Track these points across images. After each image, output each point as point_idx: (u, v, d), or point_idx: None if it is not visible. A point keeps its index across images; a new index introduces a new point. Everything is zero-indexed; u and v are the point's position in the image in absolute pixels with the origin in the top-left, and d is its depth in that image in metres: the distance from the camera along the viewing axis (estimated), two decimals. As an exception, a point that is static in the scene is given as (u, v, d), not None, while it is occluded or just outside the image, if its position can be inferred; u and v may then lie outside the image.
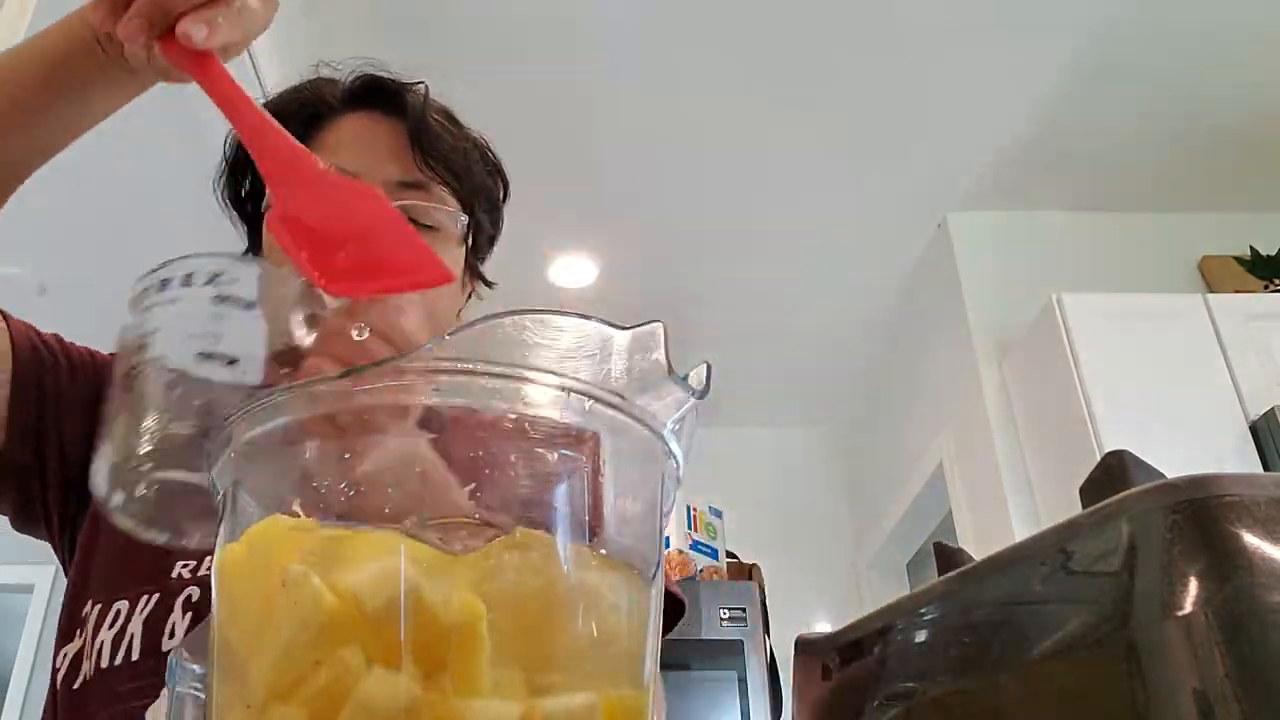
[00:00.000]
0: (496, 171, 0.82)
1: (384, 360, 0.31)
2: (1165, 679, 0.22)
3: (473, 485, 0.32)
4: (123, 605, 0.64)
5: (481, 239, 0.82)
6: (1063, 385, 2.53)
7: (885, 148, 2.88)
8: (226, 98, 0.48)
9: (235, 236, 0.83)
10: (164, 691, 0.59)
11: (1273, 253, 2.98)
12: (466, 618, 0.28)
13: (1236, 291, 2.83)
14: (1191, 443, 2.36)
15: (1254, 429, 2.40)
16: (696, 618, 2.49)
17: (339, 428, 0.31)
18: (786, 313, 3.57)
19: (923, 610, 0.30)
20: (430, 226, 0.74)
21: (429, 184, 0.74)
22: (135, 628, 0.63)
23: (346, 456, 0.31)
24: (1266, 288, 2.90)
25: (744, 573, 2.89)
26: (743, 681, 2.46)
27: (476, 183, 0.78)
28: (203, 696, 0.34)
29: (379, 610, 0.28)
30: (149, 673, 0.60)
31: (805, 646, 0.33)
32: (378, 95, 0.77)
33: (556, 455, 0.32)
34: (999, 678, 0.27)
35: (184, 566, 0.66)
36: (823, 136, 2.83)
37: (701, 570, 2.75)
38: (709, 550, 2.82)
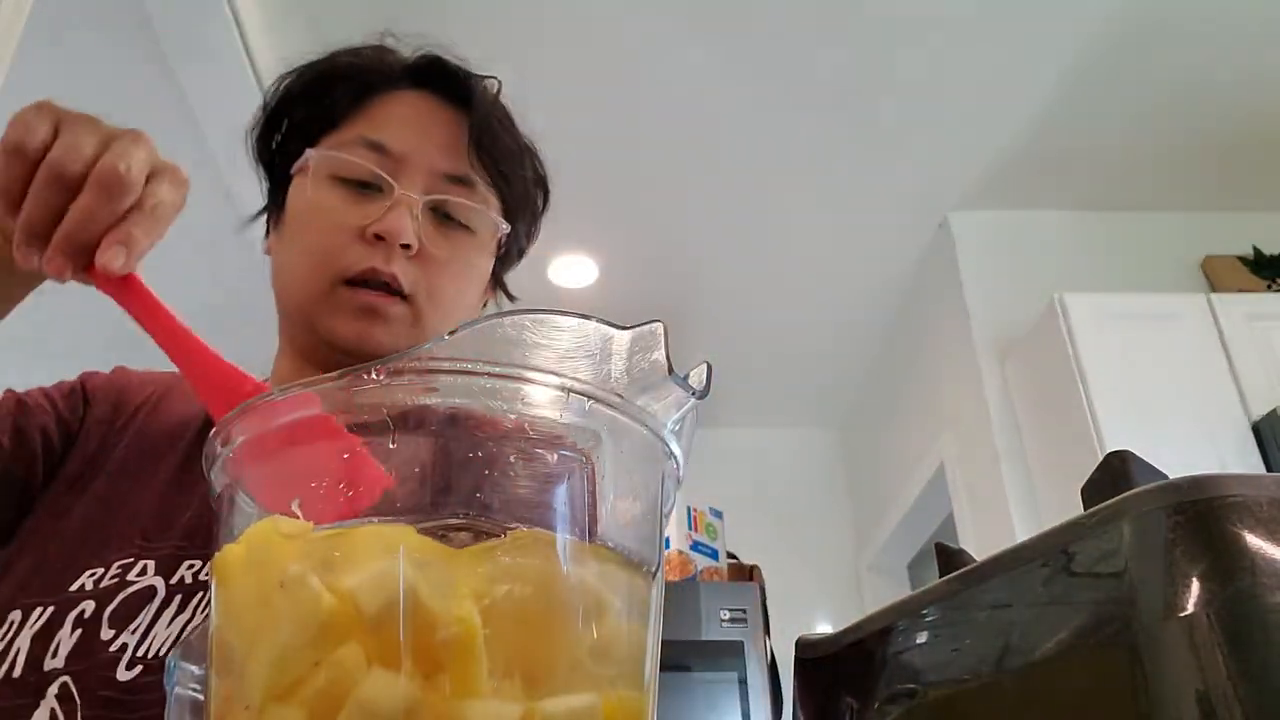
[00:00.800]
0: (541, 181, 0.79)
1: (383, 359, 0.31)
2: (1167, 680, 0.22)
3: (472, 485, 0.32)
4: (15, 617, 0.60)
5: (513, 250, 0.78)
6: (1065, 385, 2.53)
7: (886, 147, 2.88)
8: (151, 316, 0.46)
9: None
10: (37, 714, 0.55)
11: (1276, 252, 2.98)
12: (462, 632, 0.27)
13: (1239, 291, 2.83)
14: (1194, 443, 2.36)
15: (1256, 429, 2.40)
16: (697, 619, 2.49)
17: (337, 428, 0.31)
18: (787, 313, 3.57)
19: (924, 611, 0.29)
20: (465, 226, 0.70)
21: (476, 183, 0.70)
22: (23, 642, 0.58)
23: (346, 456, 0.31)
24: (1269, 287, 2.89)
25: (744, 573, 2.89)
26: (743, 683, 2.46)
27: (523, 191, 0.74)
28: (201, 698, 0.34)
29: (378, 612, 0.28)
30: (29, 691, 0.56)
31: (806, 648, 0.33)
32: (442, 78, 0.73)
33: (556, 455, 0.32)
34: (1000, 679, 0.26)
35: (90, 576, 0.62)
36: (823, 136, 2.83)
37: (702, 571, 2.74)
38: (709, 551, 2.82)
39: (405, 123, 0.70)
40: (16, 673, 0.57)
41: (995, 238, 3.10)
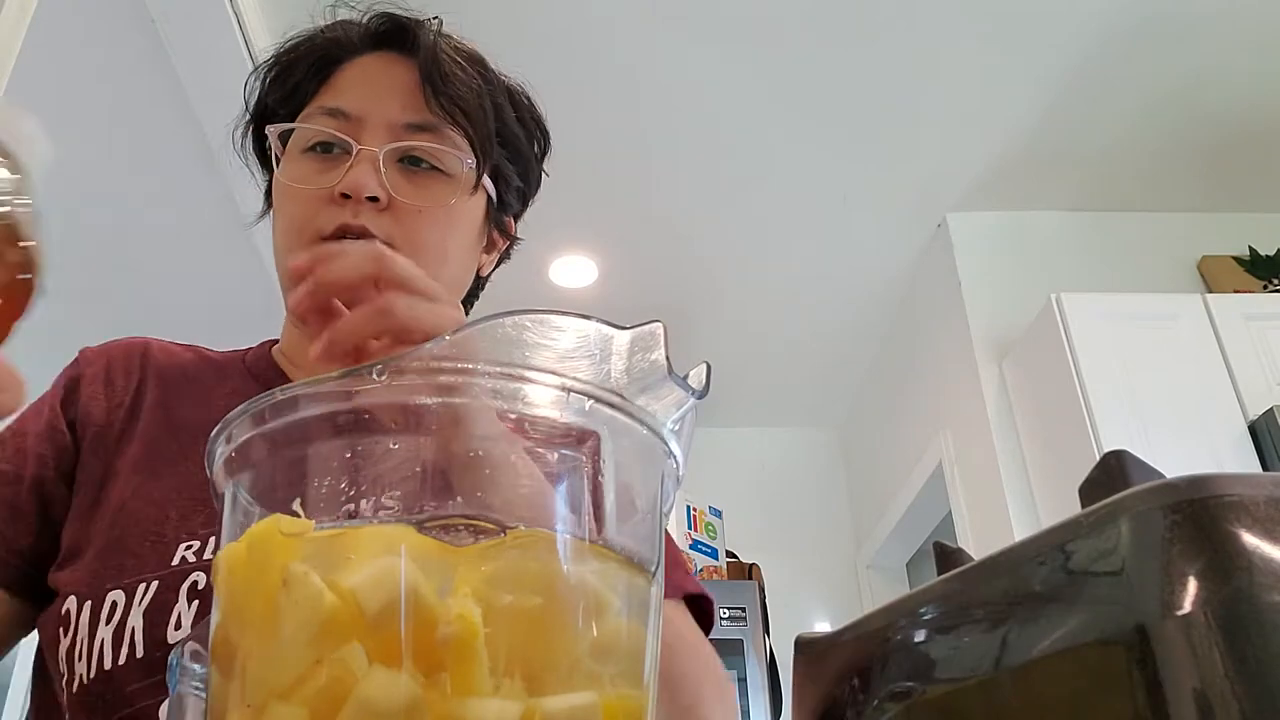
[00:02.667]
0: (534, 122, 0.79)
1: (384, 360, 0.31)
2: (1165, 679, 0.22)
3: (472, 484, 0.32)
4: (118, 597, 0.60)
5: (507, 190, 0.77)
6: (1062, 385, 2.53)
7: (885, 148, 2.88)
8: None
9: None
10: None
11: (1271, 253, 2.99)
12: (462, 630, 0.28)
13: (1235, 291, 2.83)
14: (1191, 442, 2.36)
15: (1253, 429, 2.41)
16: (696, 617, 2.49)
17: (340, 427, 0.31)
18: (786, 312, 3.57)
19: (922, 610, 0.30)
20: (438, 170, 0.70)
21: (439, 126, 0.70)
22: (136, 621, 0.58)
23: (348, 455, 0.31)
24: (1265, 288, 2.90)
25: (744, 572, 2.90)
26: (743, 681, 2.46)
27: (497, 128, 0.73)
28: (204, 696, 0.34)
29: (379, 610, 0.28)
30: (158, 668, 0.57)
31: (804, 646, 0.33)
32: (394, 35, 0.74)
33: (556, 455, 0.32)
34: (998, 678, 0.27)
35: (187, 549, 0.62)
36: (823, 136, 2.83)
37: (701, 570, 2.75)
38: (709, 550, 2.82)
39: (362, 84, 0.72)
40: (140, 652, 0.58)
41: (993, 238, 3.11)
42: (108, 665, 0.58)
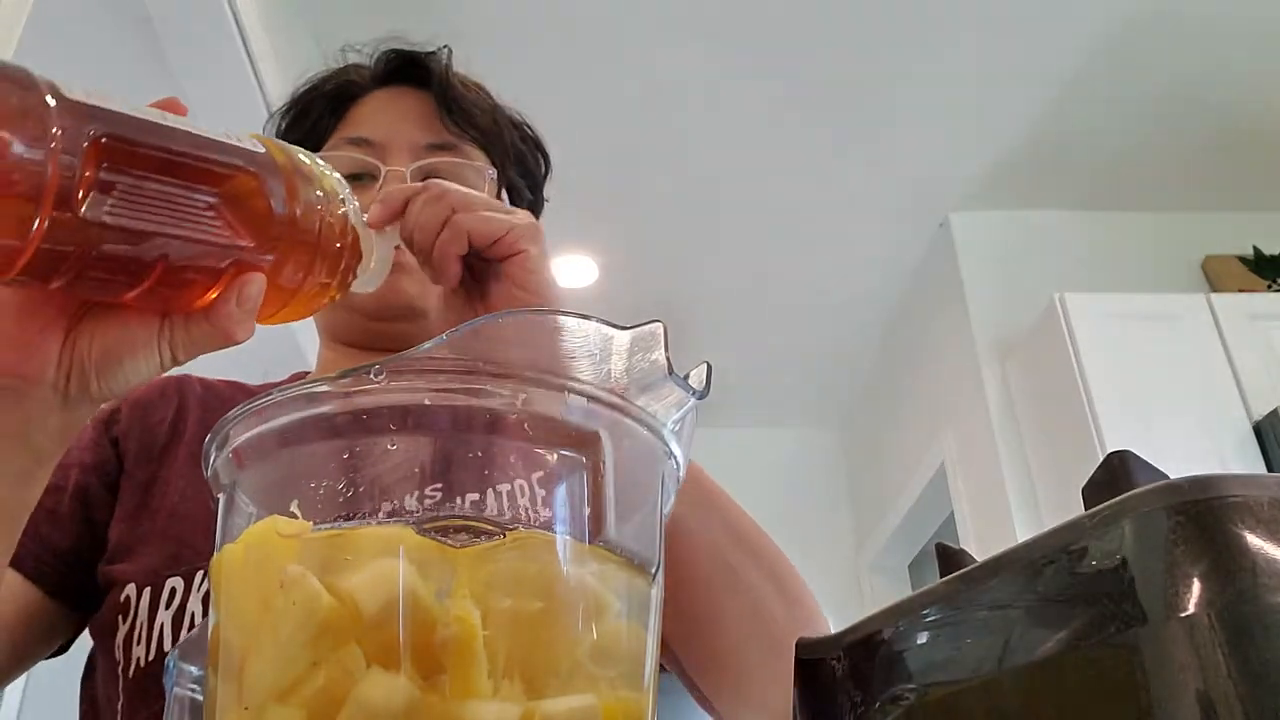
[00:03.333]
0: (535, 146, 0.83)
1: (383, 360, 0.31)
2: (1168, 681, 0.22)
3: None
4: (177, 583, 0.62)
5: (520, 204, 0.80)
6: (1065, 385, 2.52)
7: (887, 147, 2.88)
8: None
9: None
10: None
11: (1276, 252, 2.98)
12: (461, 632, 0.27)
13: (1240, 291, 2.83)
14: (1195, 443, 2.36)
15: (1257, 429, 2.40)
16: (698, 618, 2.49)
17: (338, 427, 0.31)
18: (787, 313, 3.57)
19: (924, 611, 0.29)
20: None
21: (458, 144, 0.74)
22: (195, 605, 0.61)
23: (346, 456, 0.31)
24: (1270, 287, 2.89)
25: (745, 573, 2.89)
26: (744, 682, 2.46)
27: (508, 144, 0.77)
28: (200, 698, 0.34)
29: (377, 612, 0.28)
30: None
31: (806, 648, 0.33)
32: (403, 68, 0.78)
33: (556, 455, 0.32)
34: (1001, 679, 0.26)
35: None
36: (823, 136, 2.83)
37: (703, 570, 2.75)
38: (710, 550, 2.82)
39: (380, 114, 0.76)
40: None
41: (996, 238, 3.10)
42: (167, 647, 0.60)
